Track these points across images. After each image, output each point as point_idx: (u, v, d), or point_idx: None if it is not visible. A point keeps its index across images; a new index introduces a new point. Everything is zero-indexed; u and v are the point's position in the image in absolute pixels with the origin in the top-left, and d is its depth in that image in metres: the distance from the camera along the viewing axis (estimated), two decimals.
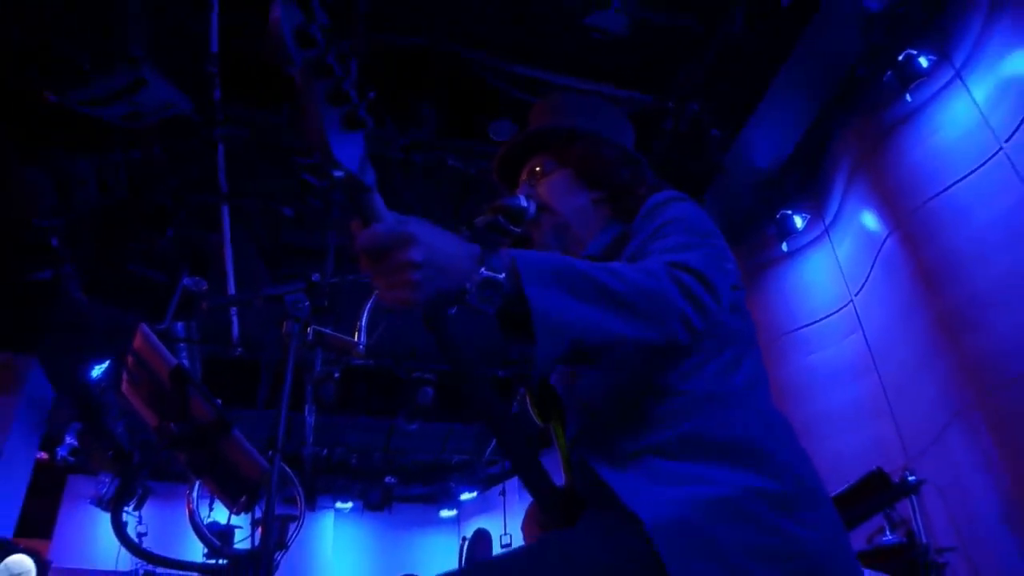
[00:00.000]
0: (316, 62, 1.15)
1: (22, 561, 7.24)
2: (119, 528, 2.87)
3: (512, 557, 1.40)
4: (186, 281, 6.48)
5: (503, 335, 1.33)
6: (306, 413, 9.63)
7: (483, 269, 1.25)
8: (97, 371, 8.02)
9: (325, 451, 11.74)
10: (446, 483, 13.19)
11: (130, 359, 2.63)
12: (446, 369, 9.60)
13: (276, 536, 2.43)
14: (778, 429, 1.50)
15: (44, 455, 8.99)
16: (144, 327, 2.55)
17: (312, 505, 12.58)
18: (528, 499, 1.81)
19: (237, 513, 2.76)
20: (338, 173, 1.19)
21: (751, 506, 1.34)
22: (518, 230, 1.81)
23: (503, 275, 1.26)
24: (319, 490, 12.71)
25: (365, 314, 2.30)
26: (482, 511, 12.71)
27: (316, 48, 1.15)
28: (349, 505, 13.25)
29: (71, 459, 9.14)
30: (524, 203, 1.82)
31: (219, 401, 2.63)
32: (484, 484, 13.05)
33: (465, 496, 13.30)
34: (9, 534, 7.30)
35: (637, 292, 1.33)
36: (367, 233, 1.22)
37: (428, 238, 1.23)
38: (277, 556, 2.61)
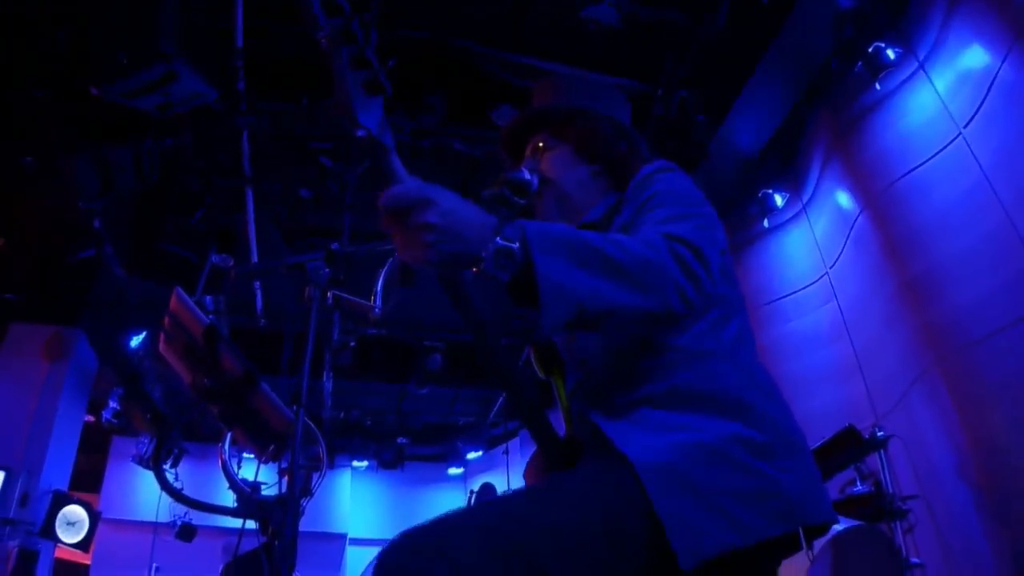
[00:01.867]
0: (342, 30, 1.16)
1: (76, 511, 7.33)
2: (162, 478, 2.90)
3: (516, 493, 1.42)
4: (214, 258, 6.50)
5: (513, 300, 1.31)
6: (324, 379, 9.67)
7: (498, 238, 1.24)
8: (135, 341, 8.06)
9: (342, 414, 11.75)
10: (454, 443, 13.22)
11: (167, 320, 2.64)
12: (454, 338, 9.63)
13: (302, 483, 2.45)
14: (761, 383, 1.52)
15: (91, 418, 9.04)
16: (179, 290, 2.56)
17: (331, 463, 12.62)
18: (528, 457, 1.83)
19: (265, 462, 2.78)
20: (360, 133, 1.20)
21: (732, 451, 1.35)
22: (523, 201, 1.81)
23: (516, 244, 1.24)
24: (337, 449, 12.76)
25: (380, 279, 2.31)
26: (487, 469, 12.75)
27: (341, 16, 1.15)
28: (364, 464, 13.29)
29: (115, 421, 9.19)
30: (528, 176, 1.82)
31: None
32: (488, 444, 13.08)
33: (471, 455, 13.33)
34: (64, 487, 7.37)
35: (638, 263, 1.32)
36: (389, 193, 1.23)
37: (446, 204, 1.23)
38: (302, 503, 2.63)
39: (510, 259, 1.24)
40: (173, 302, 2.59)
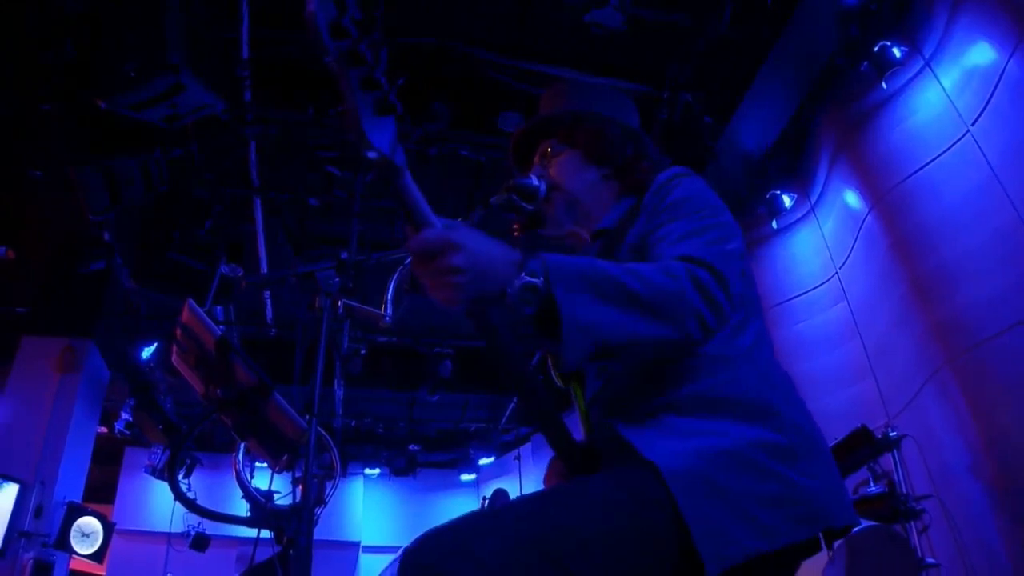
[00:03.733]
0: (349, 52, 1.16)
1: (91, 522, 7.35)
2: (177, 488, 2.91)
3: (540, 496, 1.42)
4: (223, 268, 6.52)
5: (536, 332, 1.32)
6: (336, 387, 9.67)
7: (523, 274, 1.26)
8: (146, 353, 8.09)
9: (354, 422, 11.79)
10: (465, 449, 13.23)
11: (178, 332, 2.66)
12: (464, 344, 9.63)
13: (315, 492, 2.46)
14: (781, 386, 1.52)
15: (104, 429, 9.06)
16: (191, 301, 2.57)
17: (343, 472, 12.63)
18: (541, 464, 1.83)
19: (279, 471, 2.79)
20: (371, 154, 1.21)
21: (756, 456, 1.36)
22: (531, 207, 1.81)
23: (540, 279, 1.26)
24: (349, 457, 12.79)
25: (390, 288, 2.32)
26: (499, 475, 12.75)
27: (349, 39, 1.16)
28: (377, 471, 13.33)
29: (127, 432, 9.24)
30: (536, 182, 1.82)
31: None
32: (500, 450, 13.09)
33: (483, 461, 13.33)
34: (78, 499, 7.38)
35: (658, 294, 1.32)
36: (417, 238, 1.24)
37: (472, 245, 1.24)
38: (316, 512, 2.63)
39: (535, 294, 1.26)
40: (185, 313, 2.61)
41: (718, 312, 1.39)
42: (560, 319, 1.24)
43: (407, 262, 2.29)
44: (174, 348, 2.71)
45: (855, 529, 3.62)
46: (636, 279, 1.32)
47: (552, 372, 1.85)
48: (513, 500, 1.43)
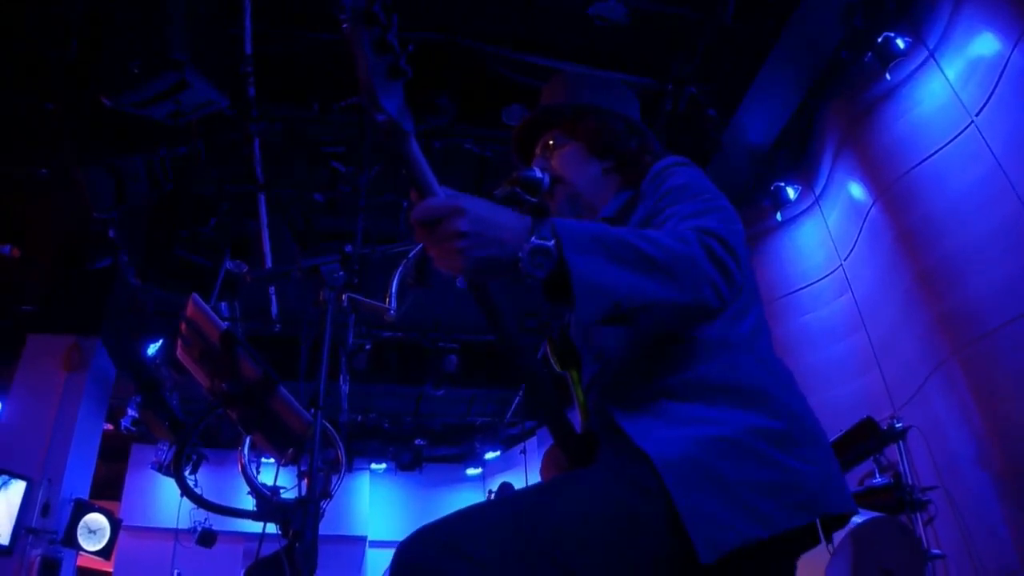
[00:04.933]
0: (364, 11, 1.17)
1: (98, 519, 7.40)
2: (183, 484, 2.92)
3: (534, 489, 1.43)
4: (228, 264, 6.53)
5: (548, 298, 1.30)
6: (341, 383, 9.68)
7: (534, 238, 1.24)
8: (152, 349, 8.11)
9: (359, 417, 11.77)
10: (471, 444, 13.21)
11: (183, 326, 2.66)
12: (469, 338, 9.63)
13: (321, 485, 2.47)
14: (778, 374, 1.52)
15: (110, 426, 9.09)
16: (196, 296, 2.58)
17: (349, 467, 12.64)
18: None
19: (285, 465, 2.80)
20: (381, 117, 1.21)
21: (752, 443, 1.35)
22: (534, 200, 1.81)
23: (551, 242, 1.25)
24: (355, 452, 12.78)
25: (394, 281, 2.32)
26: (505, 468, 12.75)
27: None
28: (383, 466, 13.32)
29: (133, 429, 9.25)
30: (539, 175, 1.82)
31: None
32: (506, 444, 13.07)
33: (489, 455, 13.30)
34: (85, 496, 7.43)
35: (672, 257, 1.31)
36: (420, 205, 1.24)
37: (476, 211, 1.23)
38: (322, 504, 2.64)
39: (546, 257, 1.24)
40: (190, 308, 2.62)
41: (731, 281, 1.37)
42: (571, 281, 1.23)
43: (411, 255, 2.30)
44: (179, 343, 2.72)
45: (861, 520, 3.63)
46: (649, 243, 1.31)
47: (551, 357, 1.86)
48: (509, 495, 1.44)
